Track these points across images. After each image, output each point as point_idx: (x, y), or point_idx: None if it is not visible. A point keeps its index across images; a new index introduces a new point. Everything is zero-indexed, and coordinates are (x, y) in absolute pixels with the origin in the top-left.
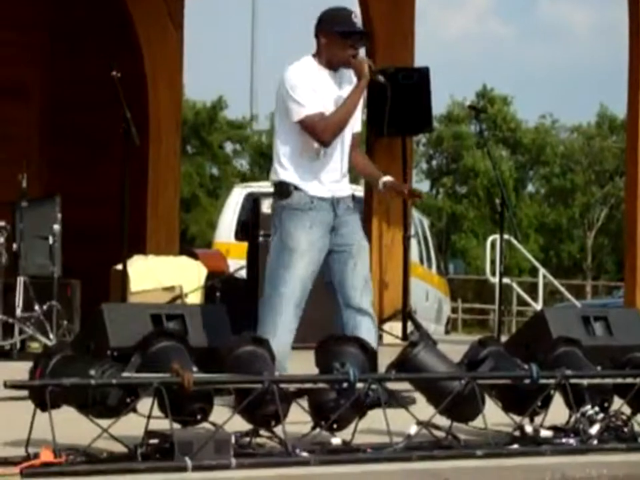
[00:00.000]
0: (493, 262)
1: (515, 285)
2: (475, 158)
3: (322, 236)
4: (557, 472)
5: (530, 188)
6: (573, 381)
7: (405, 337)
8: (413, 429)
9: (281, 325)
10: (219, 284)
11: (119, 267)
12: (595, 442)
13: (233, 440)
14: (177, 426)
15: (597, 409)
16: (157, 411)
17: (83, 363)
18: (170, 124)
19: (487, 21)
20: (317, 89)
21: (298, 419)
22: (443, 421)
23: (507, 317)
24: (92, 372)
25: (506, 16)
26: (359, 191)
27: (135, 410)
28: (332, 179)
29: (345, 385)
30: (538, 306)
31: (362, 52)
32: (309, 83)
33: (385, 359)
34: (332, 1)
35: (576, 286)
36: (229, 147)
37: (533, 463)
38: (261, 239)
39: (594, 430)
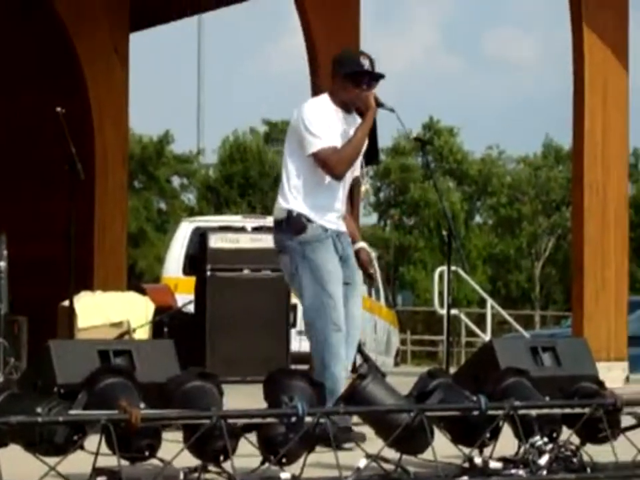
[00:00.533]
0: (441, 293)
1: (463, 316)
2: (422, 189)
3: (339, 263)
4: None
5: (477, 219)
6: (521, 411)
7: (354, 369)
8: (362, 463)
9: (340, 346)
10: (166, 319)
11: (66, 303)
12: (544, 473)
13: (182, 476)
14: (125, 463)
15: (545, 439)
16: (104, 448)
17: (30, 401)
18: (116, 158)
19: (433, 53)
20: (332, 125)
21: (247, 454)
22: (392, 454)
23: (456, 348)
24: (39, 410)
25: (452, 48)
26: None
27: (82, 447)
28: (336, 214)
29: (294, 419)
30: (486, 337)
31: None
32: (324, 119)
33: None
34: (278, 35)
35: (524, 316)
36: (176, 181)
37: None
38: (208, 273)
39: (543, 461)
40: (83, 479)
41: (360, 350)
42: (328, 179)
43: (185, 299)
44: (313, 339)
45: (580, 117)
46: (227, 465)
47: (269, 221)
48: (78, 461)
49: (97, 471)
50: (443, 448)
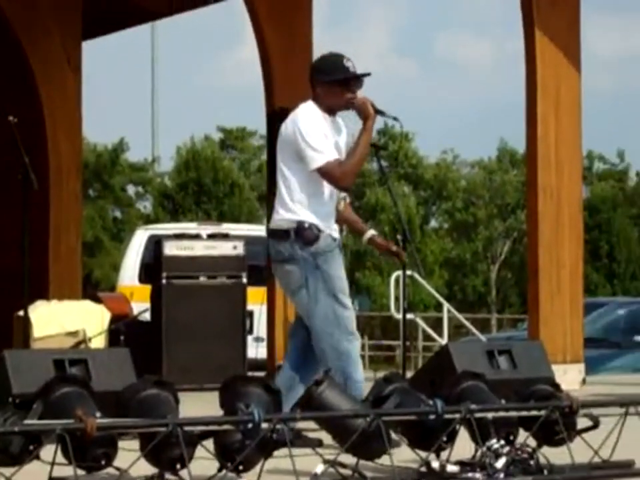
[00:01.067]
0: (397, 298)
1: (419, 321)
2: (377, 195)
3: None
4: None
5: (433, 223)
6: (477, 414)
7: None
8: (319, 468)
9: (358, 354)
10: (122, 327)
11: (21, 312)
12: (502, 475)
13: None
14: (81, 472)
15: (502, 442)
16: (60, 458)
17: None
18: (70, 168)
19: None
20: (327, 135)
21: (204, 461)
22: (349, 459)
23: (413, 353)
24: None
25: (406, 53)
26: (261, 230)
27: (38, 457)
28: (333, 219)
29: (250, 425)
30: (443, 341)
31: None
32: (321, 130)
33: None
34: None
35: (481, 319)
36: (131, 189)
37: None
38: (164, 281)
39: (500, 464)
40: None
41: None
42: (328, 187)
43: (140, 307)
44: (328, 349)
45: (533, 121)
46: (183, 473)
47: (224, 228)
48: (34, 471)
49: None
50: (400, 452)
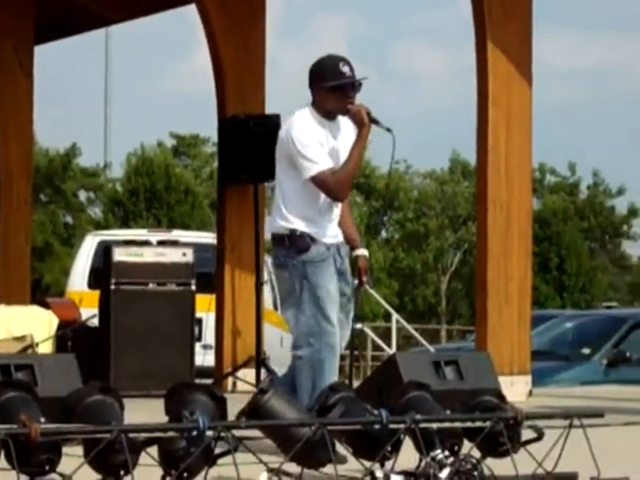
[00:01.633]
0: None
1: (368, 330)
2: None
3: (337, 281)
4: None
5: (384, 233)
6: (422, 425)
7: (259, 383)
8: (263, 477)
9: (332, 373)
10: (70, 333)
11: None
12: None
13: None
14: (24, 478)
15: (446, 452)
16: (3, 463)
17: None
18: (21, 172)
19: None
20: (322, 142)
21: (148, 468)
22: (293, 468)
23: (362, 362)
24: None
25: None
26: (210, 238)
27: None
28: (334, 225)
29: (195, 433)
30: (392, 351)
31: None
32: (316, 138)
33: (239, 406)
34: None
35: (431, 330)
36: (82, 194)
37: None
38: (112, 287)
39: (444, 474)
40: None
41: (264, 364)
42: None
43: (89, 312)
44: (306, 358)
45: (484, 133)
46: None
47: (174, 235)
48: None
49: None
50: None
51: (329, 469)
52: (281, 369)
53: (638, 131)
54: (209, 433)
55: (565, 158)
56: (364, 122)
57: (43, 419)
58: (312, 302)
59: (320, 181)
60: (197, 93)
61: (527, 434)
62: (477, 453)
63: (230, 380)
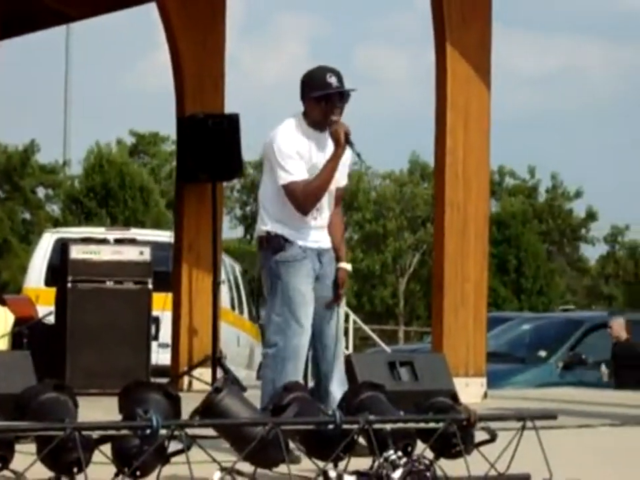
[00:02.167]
0: None
1: None
2: None
3: (312, 284)
4: None
5: None
6: (376, 425)
7: (214, 382)
8: (216, 476)
9: (294, 375)
10: (26, 330)
11: None
12: None
13: None
14: None
15: (399, 453)
16: None
17: None
18: None
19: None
20: (303, 153)
21: (101, 466)
22: (247, 467)
23: None
24: None
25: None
26: (168, 237)
27: None
28: (318, 232)
29: (148, 431)
30: (348, 352)
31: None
32: (295, 148)
33: (194, 405)
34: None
35: (388, 331)
36: (41, 191)
37: None
38: (69, 284)
39: (397, 475)
40: None
41: (221, 363)
42: None
43: (46, 310)
44: (270, 357)
45: (442, 135)
46: (80, 477)
47: (131, 233)
48: None
49: None
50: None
51: (282, 468)
52: (237, 368)
53: (596, 134)
54: (163, 431)
55: (524, 161)
56: (340, 142)
57: None
58: (282, 301)
59: (290, 191)
60: (158, 90)
61: (480, 435)
62: (430, 454)
63: (186, 379)
